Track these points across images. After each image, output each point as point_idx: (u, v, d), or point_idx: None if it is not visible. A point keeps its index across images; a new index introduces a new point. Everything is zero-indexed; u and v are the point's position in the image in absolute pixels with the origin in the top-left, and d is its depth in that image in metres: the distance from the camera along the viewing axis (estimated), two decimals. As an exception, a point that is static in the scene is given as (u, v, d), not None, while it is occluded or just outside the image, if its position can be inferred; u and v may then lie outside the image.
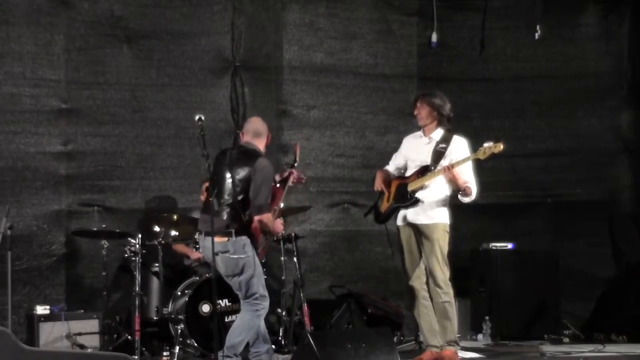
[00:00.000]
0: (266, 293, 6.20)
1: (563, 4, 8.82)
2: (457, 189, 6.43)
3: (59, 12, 7.76)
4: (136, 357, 6.70)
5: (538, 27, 8.58)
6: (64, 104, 7.79)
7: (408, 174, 6.69)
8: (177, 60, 8.15)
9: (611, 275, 8.56)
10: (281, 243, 7.42)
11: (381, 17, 8.83)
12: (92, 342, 7.14)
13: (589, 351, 7.33)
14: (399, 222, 6.65)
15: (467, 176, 6.49)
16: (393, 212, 6.65)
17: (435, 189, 6.52)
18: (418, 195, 6.50)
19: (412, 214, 6.55)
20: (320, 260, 8.57)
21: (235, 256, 6.08)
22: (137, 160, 8.00)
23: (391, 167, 6.86)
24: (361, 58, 8.77)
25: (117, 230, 7.42)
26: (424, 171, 6.52)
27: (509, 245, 8.25)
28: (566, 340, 7.90)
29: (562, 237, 8.47)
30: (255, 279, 6.15)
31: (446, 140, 6.57)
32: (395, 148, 8.76)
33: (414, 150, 6.70)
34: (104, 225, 7.38)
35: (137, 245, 7.01)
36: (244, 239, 6.10)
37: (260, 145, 6.33)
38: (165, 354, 6.80)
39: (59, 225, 7.72)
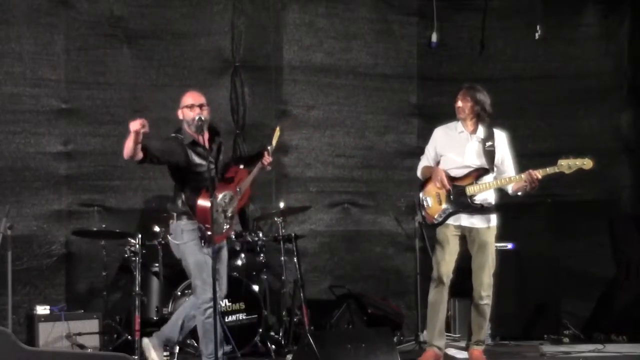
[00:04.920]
0: (207, 287, 5.92)
1: (563, 4, 8.82)
2: (528, 193, 6.40)
3: (59, 12, 7.76)
4: (136, 357, 6.70)
5: (538, 27, 8.58)
6: (64, 104, 7.79)
7: (450, 172, 6.49)
8: (177, 60, 8.15)
9: (611, 275, 8.56)
10: (281, 243, 7.42)
11: (381, 17, 8.83)
12: (92, 342, 7.14)
13: (589, 351, 7.33)
14: (450, 220, 6.52)
15: (512, 170, 6.51)
16: (450, 216, 6.51)
17: (490, 191, 6.49)
18: (477, 199, 6.43)
19: (466, 217, 6.49)
20: (320, 260, 8.57)
21: (174, 241, 6.10)
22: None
23: (431, 163, 6.68)
24: (361, 58, 8.77)
25: (117, 230, 7.41)
26: (482, 174, 6.43)
27: (509, 245, 8.24)
28: (566, 340, 7.89)
29: (562, 237, 8.46)
30: (193, 269, 6.03)
31: (490, 136, 6.50)
32: (396, 148, 8.83)
33: (455, 147, 6.54)
34: (104, 225, 7.39)
35: (137, 245, 7.00)
36: (183, 225, 6.04)
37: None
38: (165, 354, 6.80)
39: (59, 225, 7.72)
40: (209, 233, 5.90)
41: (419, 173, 6.77)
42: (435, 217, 6.56)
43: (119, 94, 7.97)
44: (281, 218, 7.51)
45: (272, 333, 7.41)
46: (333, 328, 7.63)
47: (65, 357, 4.72)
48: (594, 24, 8.93)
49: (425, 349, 6.69)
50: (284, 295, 7.46)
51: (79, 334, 7.08)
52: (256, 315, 7.07)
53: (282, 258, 7.41)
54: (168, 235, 6.30)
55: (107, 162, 7.89)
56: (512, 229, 8.43)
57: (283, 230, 7.46)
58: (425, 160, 6.72)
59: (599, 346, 7.53)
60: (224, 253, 6.27)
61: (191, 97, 6.15)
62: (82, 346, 7.03)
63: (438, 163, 6.62)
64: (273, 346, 7.14)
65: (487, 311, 6.61)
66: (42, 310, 7.15)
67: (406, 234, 8.51)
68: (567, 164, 6.26)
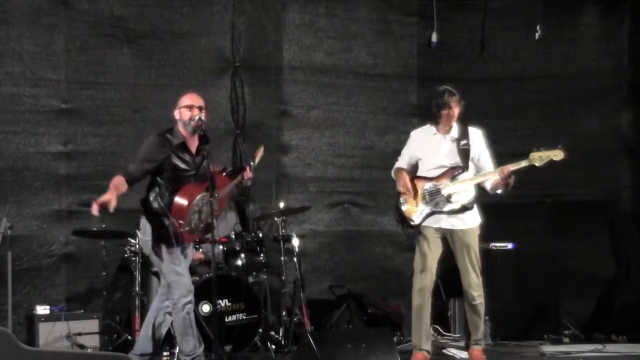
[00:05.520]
0: (183, 280, 5.96)
1: (563, 4, 8.82)
2: (505, 190, 6.34)
3: (59, 12, 7.76)
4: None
5: (538, 27, 8.59)
6: (64, 104, 7.79)
7: (426, 173, 6.50)
8: (177, 60, 8.15)
9: (611, 275, 8.56)
10: (281, 243, 7.41)
11: (381, 17, 8.83)
12: (92, 342, 7.14)
13: (589, 351, 7.33)
14: (427, 222, 6.49)
15: (490, 167, 6.46)
16: (427, 217, 6.47)
17: (468, 190, 6.44)
18: (453, 198, 6.38)
19: (445, 218, 6.44)
20: (320, 260, 8.57)
21: (144, 237, 6.09)
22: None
23: (404, 165, 6.67)
24: (361, 58, 8.77)
25: (117, 230, 7.41)
26: (457, 173, 6.40)
27: (509, 245, 8.25)
28: (566, 340, 7.90)
29: (562, 237, 8.46)
30: (165, 266, 6.02)
31: (464, 134, 6.46)
32: (396, 148, 8.78)
33: (431, 149, 6.51)
34: (104, 225, 7.37)
35: (137, 245, 7.02)
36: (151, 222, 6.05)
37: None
38: (165, 354, 6.80)
39: (59, 225, 7.72)
40: (182, 230, 5.90)
41: (392, 174, 6.74)
42: (413, 218, 6.52)
43: (119, 94, 7.97)
44: (281, 218, 7.50)
45: (272, 333, 7.41)
46: (333, 328, 7.63)
47: (65, 357, 4.72)
48: (594, 24, 8.93)
49: (414, 352, 6.61)
50: (284, 295, 7.45)
51: (79, 334, 7.08)
52: (256, 315, 7.07)
53: (282, 258, 7.40)
54: (137, 231, 6.28)
55: (107, 162, 7.88)
56: (512, 229, 8.47)
57: (283, 230, 7.45)
58: (400, 162, 6.71)
59: (599, 346, 7.53)
60: (189, 255, 6.26)
61: (190, 99, 6.13)
62: (82, 346, 7.03)
63: (414, 166, 6.60)
64: (273, 346, 7.14)
65: (482, 310, 6.58)
66: (42, 310, 7.16)
67: (406, 234, 8.50)
68: (538, 156, 6.23)
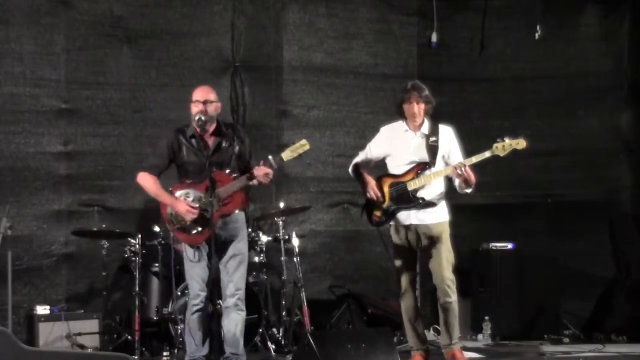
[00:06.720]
0: (194, 285, 6.04)
1: (563, 4, 8.83)
2: (468, 186, 6.29)
3: (59, 12, 7.76)
4: (136, 357, 6.71)
5: (538, 27, 8.59)
6: (64, 104, 7.79)
7: (396, 169, 6.46)
8: (177, 60, 8.15)
9: (611, 275, 8.56)
10: (281, 243, 7.41)
11: (381, 17, 8.83)
12: (92, 342, 7.14)
13: (589, 351, 7.33)
14: (398, 220, 6.44)
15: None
16: (394, 214, 6.45)
17: (435, 185, 6.40)
18: (419, 194, 6.34)
19: (414, 214, 6.39)
20: (320, 260, 8.56)
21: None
22: (137, 160, 7.97)
23: (367, 159, 6.59)
24: (361, 58, 8.77)
25: (117, 230, 7.41)
26: (423, 169, 6.36)
27: (509, 245, 8.25)
28: (566, 340, 7.90)
29: (562, 237, 8.47)
30: (185, 267, 6.16)
31: (434, 131, 6.42)
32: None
33: (401, 146, 6.46)
34: (104, 225, 7.39)
35: (137, 245, 7.02)
36: None
37: None
38: (165, 354, 6.80)
39: (59, 225, 7.72)
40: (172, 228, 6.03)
41: (350, 168, 6.65)
42: (379, 215, 6.50)
43: (119, 94, 7.97)
44: (281, 218, 7.50)
45: (272, 333, 7.40)
46: (333, 328, 7.63)
47: (65, 357, 4.72)
48: (594, 24, 8.93)
49: (412, 354, 6.60)
50: (284, 295, 7.46)
51: (79, 334, 7.08)
52: (256, 315, 7.07)
53: (282, 258, 7.40)
54: None
55: (107, 162, 7.89)
56: (512, 229, 8.48)
57: (283, 230, 7.45)
58: (363, 156, 6.62)
59: (599, 346, 7.54)
60: (230, 252, 6.11)
61: (198, 93, 6.10)
62: (82, 346, 7.03)
63: (379, 162, 6.56)
64: (273, 346, 7.15)
65: (456, 308, 6.42)
66: (42, 310, 7.16)
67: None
68: (501, 146, 6.21)
